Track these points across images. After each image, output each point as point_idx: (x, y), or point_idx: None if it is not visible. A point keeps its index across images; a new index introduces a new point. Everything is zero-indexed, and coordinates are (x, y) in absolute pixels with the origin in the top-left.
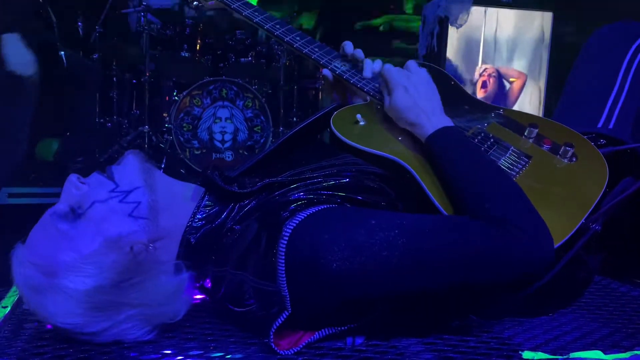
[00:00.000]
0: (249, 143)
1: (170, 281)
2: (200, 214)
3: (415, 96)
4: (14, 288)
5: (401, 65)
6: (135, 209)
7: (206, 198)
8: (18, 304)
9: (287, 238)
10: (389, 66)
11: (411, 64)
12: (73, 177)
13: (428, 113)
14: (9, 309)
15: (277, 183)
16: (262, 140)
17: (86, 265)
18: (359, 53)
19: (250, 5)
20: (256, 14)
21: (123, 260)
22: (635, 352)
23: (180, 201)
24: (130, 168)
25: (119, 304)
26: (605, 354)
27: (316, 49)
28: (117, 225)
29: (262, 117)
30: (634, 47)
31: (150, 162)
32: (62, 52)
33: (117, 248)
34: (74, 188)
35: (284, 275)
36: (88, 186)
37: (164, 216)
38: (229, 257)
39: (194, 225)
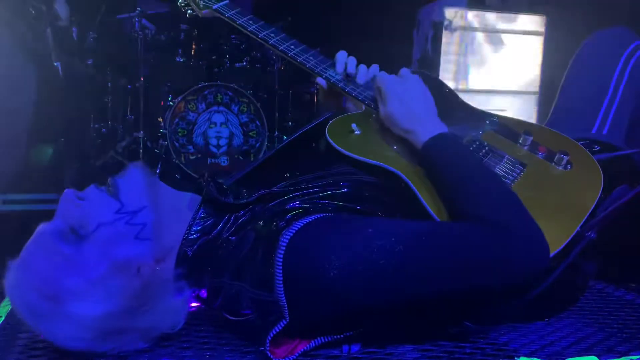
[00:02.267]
0: (244, 148)
1: (176, 301)
2: (196, 226)
3: (409, 104)
4: (7, 298)
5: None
6: (142, 230)
7: (201, 210)
8: (12, 314)
9: (284, 247)
10: (382, 74)
11: (404, 71)
12: (70, 193)
13: (423, 120)
14: (2, 318)
15: (273, 193)
16: (257, 145)
17: (93, 290)
18: (353, 60)
19: (244, 14)
20: (250, 22)
21: (131, 284)
22: (631, 357)
23: (179, 212)
24: (135, 184)
25: (127, 328)
26: (600, 358)
27: (310, 58)
28: (124, 249)
29: (257, 122)
30: (626, 53)
31: (152, 174)
32: (58, 63)
33: (124, 271)
34: (72, 205)
35: (281, 284)
36: (87, 202)
37: (167, 233)
38: (226, 268)
39: (190, 237)
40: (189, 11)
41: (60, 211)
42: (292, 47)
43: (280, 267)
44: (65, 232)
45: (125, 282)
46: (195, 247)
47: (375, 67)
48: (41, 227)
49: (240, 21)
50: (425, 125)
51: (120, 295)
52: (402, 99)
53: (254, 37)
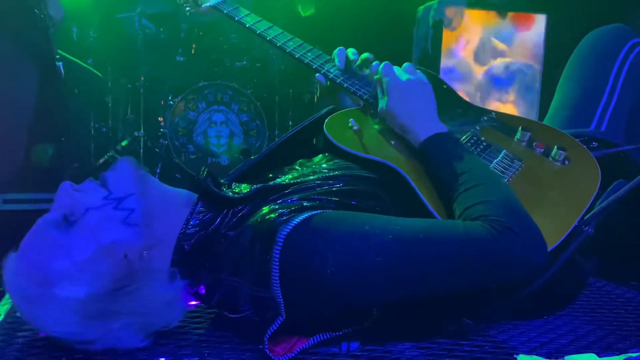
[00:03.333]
0: (244, 147)
1: (165, 289)
2: (193, 220)
3: (410, 101)
4: (7, 296)
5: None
6: (129, 215)
7: (199, 204)
8: (11, 312)
9: (281, 244)
10: (387, 65)
11: (409, 66)
12: (66, 185)
13: (422, 118)
14: (2, 317)
15: (271, 188)
16: (257, 144)
17: (80, 273)
18: (353, 53)
19: (242, 11)
20: (248, 19)
21: (117, 268)
22: (630, 354)
23: (173, 207)
24: (123, 174)
25: (113, 312)
26: (599, 356)
27: (309, 54)
28: (111, 233)
29: (257, 121)
30: (624, 50)
31: (143, 169)
32: (60, 63)
33: (111, 255)
34: (67, 196)
35: (278, 281)
36: (81, 193)
37: (157, 223)
38: (224, 264)
39: (188, 232)
40: (187, 8)
41: (56, 202)
42: (291, 43)
43: (277, 264)
44: (59, 220)
45: (111, 265)
46: (192, 241)
47: (377, 65)
48: (40, 218)
49: (238, 17)
50: (424, 124)
51: (105, 278)
52: (404, 95)
53: (253, 33)
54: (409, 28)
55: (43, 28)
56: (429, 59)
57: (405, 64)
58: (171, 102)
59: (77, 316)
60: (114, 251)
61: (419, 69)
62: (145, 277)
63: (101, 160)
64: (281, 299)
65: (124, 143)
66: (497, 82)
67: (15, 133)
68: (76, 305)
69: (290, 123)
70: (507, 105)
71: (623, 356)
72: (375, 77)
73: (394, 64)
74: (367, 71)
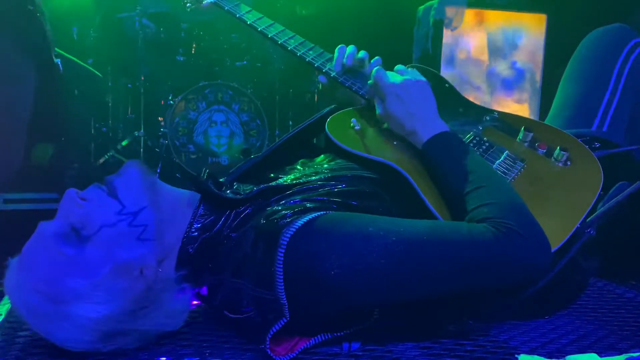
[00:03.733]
0: (245, 147)
1: (177, 300)
2: (196, 223)
3: (408, 103)
4: (6, 297)
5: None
6: (144, 232)
7: (201, 207)
8: (11, 312)
9: (285, 246)
10: (380, 71)
11: (401, 67)
12: (72, 193)
13: (423, 119)
14: (2, 316)
15: (273, 189)
16: (258, 144)
17: (97, 292)
18: (353, 50)
19: (243, 8)
20: (250, 16)
21: (133, 286)
22: (631, 354)
23: (178, 210)
24: (133, 182)
25: (130, 330)
26: (600, 356)
27: (310, 52)
28: (127, 250)
29: (258, 121)
30: (625, 50)
31: (150, 173)
32: (58, 60)
33: (127, 273)
34: (74, 205)
35: (282, 283)
36: (89, 203)
37: (167, 232)
38: (226, 265)
39: (191, 235)
40: (188, 4)
41: (62, 211)
42: (292, 41)
43: (281, 266)
44: (67, 232)
45: (128, 283)
46: (196, 244)
47: (378, 60)
48: (42, 226)
49: (239, 14)
50: (425, 124)
51: (122, 297)
52: (401, 98)
53: (254, 30)
54: (410, 28)
55: (39, 25)
56: (429, 59)
57: (396, 67)
58: (171, 101)
59: (93, 335)
60: (129, 268)
61: (421, 67)
62: (162, 292)
63: (101, 160)
64: (285, 300)
65: (124, 143)
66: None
67: (15, 132)
68: (93, 324)
69: (291, 123)
70: (523, 105)
71: (624, 356)
72: (369, 82)
73: (394, 64)
74: (367, 70)
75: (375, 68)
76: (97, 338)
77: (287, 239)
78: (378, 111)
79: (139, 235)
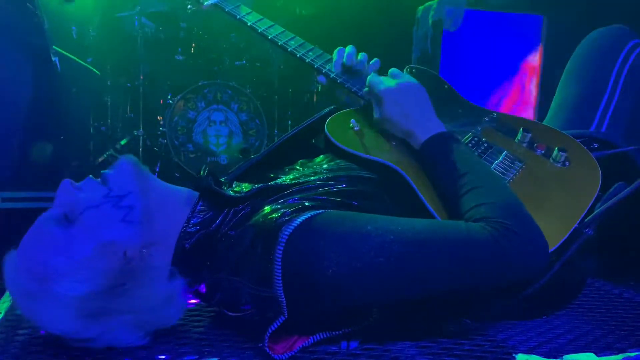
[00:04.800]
0: (244, 146)
1: (164, 287)
2: (194, 219)
3: (404, 105)
4: (6, 294)
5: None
6: (129, 214)
7: (200, 203)
8: (11, 310)
9: (283, 244)
10: (374, 78)
11: (395, 71)
12: (66, 182)
13: (419, 120)
14: (2, 314)
15: (272, 188)
16: (257, 144)
17: (79, 271)
18: (352, 51)
19: (244, 9)
20: (250, 17)
21: (116, 266)
22: (628, 354)
23: (174, 206)
24: (124, 173)
25: (111, 310)
26: (598, 355)
27: (310, 53)
28: (110, 231)
29: (257, 121)
30: (624, 51)
31: (144, 167)
32: (56, 58)
33: (110, 253)
34: (68, 193)
35: (280, 281)
36: (82, 191)
37: (157, 221)
38: (225, 262)
39: (189, 230)
40: (189, 6)
41: (57, 199)
42: (292, 42)
43: (280, 264)
44: (59, 217)
45: (110, 263)
46: (193, 240)
47: (377, 62)
48: (40, 216)
49: (240, 16)
50: (422, 125)
51: (104, 276)
52: (397, 101)
53: (254, 31)
54: (409, 28)
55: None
56: (429, 59)
57: (390, 70)
58: (170, 101)
59: (75, 313)
60: (113, 249)
61: (417, 69)
62: (144, 275)
63: (100, 159)
64: (283, 298)
65: (123, 142)
66: None
67: (13, 130)
68: (75, 302)
69: (290, 122)
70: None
71: (621, 355)
72: (365, 89)
73: (393, 64)
74: (366, 71)
75: (370, 75)
76: (78, 317)
77: (286, 237)
78: (375, 115)
79: (123, 217)
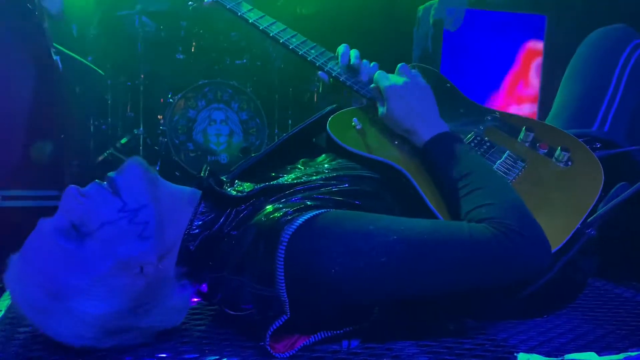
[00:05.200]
0: (244, 145)
1: (177, 298)
2: (197, 221)
3: (410, 103)
4: (7, 292)
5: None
6: (145, 229)
7: (202, 205)
8: (11, 308)
9: (285, 243)
10: (381, 73)
11: (404, 68)
12: (73, 189)
13: (424, 119)
14: (2, 312)
15: (274, 187)
16: (257, 143)
17: (97, 288)
18: (356, 53)
19: (245, 6)
20: (251, 14)
21: (134, 283)
22: (629, 353)
23: (179, 208)
24: (134, 180)
25: (132, 327)
26: (599, 355)
27: (312, 51)
28: (128, 247)
29: (257, 120)
30: (627, 51)
31: (152, 170)
32: (57, 57)
33: (128, 270)
34: (75, 202)
35: (282, 280)
36: (90, 199)
37: (168, 230)
38: (227, 262)
39: (192, 232)
40: (190, 3)
41: (63, 207)
42: (294, 40)
43: (282, 263)
44: (67, 228)
45: (128, 281)
46: (197, 242)
47: (375, 66)
48: (43, 222)
49: (240, 13)
50: (426, 125)
51: (123, 294)
52: (402, 99)
53: (255, 29)
54: (410, 27)
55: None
56: (429, 58)
57: (398, 66)
58: (171, 100)
59: (94, 331)
60: (130, 266)
61: (420, 66)
62: (162, 289)
63: (100, 158)
64: (286, 298)
65: (123, 141)
66: None
67: (13, 129)
68: (94, 320)
69: (290, 122)
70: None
71: (622, 355)
72: (372, 85)
73: (394, 63)
74: (369, 71)
75: (378, 71)
76: (98, 334)
77: (288, 237)
78: (380, 112)
79: (140, 233)
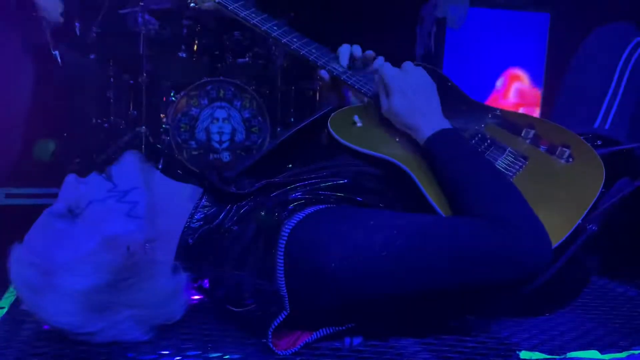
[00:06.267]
0: (246, 143)
1: (168, 282)
2: (198, 214)
3: (413, 100)
4: (11, 288)
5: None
6: (133, 208)
7: (204, 199)
8: (15, 304)
9: (285, 238)
10: (386, 66)
11: (408, 65)
12: (71, 177)
13: (426, 116)
14: (6, 309)
15: (275, 184)
16: (259, 141)
17: (83, 265)
18: (357, 50)
19: (247, 7)
20: (253, 15)
21: (119, 260)
22: (632, 351)
23: (178, 201)
24: (128, 168)
25: (115, 304)
26: (602, 353)
27: (313, 50)
28: (114, 225)
29: (259, 118)
30: (628, 48)
31: (148, 162)
32: (56, 52)
33: (114, 248)
34: (72, 188)
35: (282, 275)
36: (86, 186)
37: (161, 216)
38: (227, 258)
39: (192, 226)
40: (192, 5)
41: (61, 194)
42: (295, 39)
43: (282, 258)
44: (63, 212)
45: (114, 258)
46: (196, 235)
47: (380, 59)
48: (45, 210)
49: (243, 13)
50: (428, 121)
51: (108, 270)
52: (406, 94)
53: (257, 29)
54: (412, 26)
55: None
56: (432, 57)
57: (404, 63)
58: (173, 98)
59: (78, 307)
60: (116, 243)
61: (422, 65)
62: (147, 269)
63: (103, 156)
64: (285, 293)
65: (125, 139)
66: None
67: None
68: (78, 296)
69: (292, 120)
70: None
71: (625, 353)
72: (376, 78)
73: (397, 62)
74: (370, 68)
75: (383, 63)
76: (84, 310)
77: (289, 231)
78: (382, 106)
79: (127, 212)
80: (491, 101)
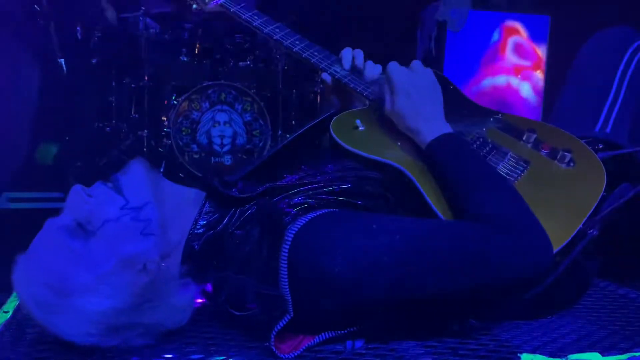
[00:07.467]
0: (247, 147)
1: (182, 297)
2: (202, 220)
3: (417, 102)
4: (14, 293)
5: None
6: (147, 226)
7: (207, 204)
8: (19, 308)
9: (289, 242)
10: (394, 65)
11: (418, 64)
12: (78, 189)
13: (428, 119)
14: (10, 313)
15: (278, 188)
16: (261, 144)
17: (101, 286)
18: (359, 55)
19: (249, 9)
20: (255, 17)
21: (137, 280)
22: (633, 354)
23: (184, 208)
24: (137, 179)
25: (136, 324)
26: (603, 355)
27: (315, 53)
28: (131, 245)
29: (261, 121)
30: (629, 52)
31: (155, 170)
32: (62, 60)
33: (131, 267)
34: (81, 201)
35: (286, 279)
36: (94, 199)
37: (172, 229)
38: (231, 262)
39: (196, 232)
40: (194, 6)
41: (69, 206)
42: (297, 42)
43: (285, 262)
44: (73, 227)
45: (131, 278)
46: (201, 241)
47: (379, 67)
48: (49, 221)
49: (245, 16)
50: (430, 125)
51: (126, 291)
52: (411, 95)
53: (259, 32)
54: (413, 28)
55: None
56: (433, 60)
57: (413, 62)
58: (175, 101)
59: (98, 328)
60: (133, 263)
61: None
62: (164, 287)
63: (105, 160)
64: (289, 297)
65: (127, 142)
66: None
67: (19, 132)
68: (98, 317)
69: (294, 123)
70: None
71: (626, 355)
72: (383, 76)
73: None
74: (373, 72)
75: (392, 62)
76: (103, 331)
77: (292, 235)
78: (386, 105)
79: (142, 230)
80: (487, 58)
